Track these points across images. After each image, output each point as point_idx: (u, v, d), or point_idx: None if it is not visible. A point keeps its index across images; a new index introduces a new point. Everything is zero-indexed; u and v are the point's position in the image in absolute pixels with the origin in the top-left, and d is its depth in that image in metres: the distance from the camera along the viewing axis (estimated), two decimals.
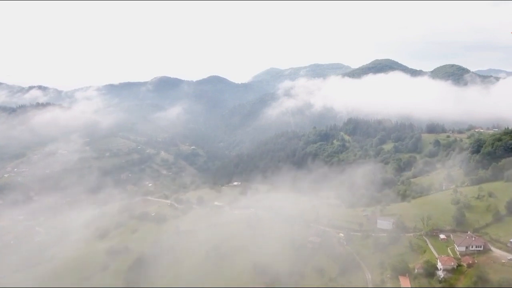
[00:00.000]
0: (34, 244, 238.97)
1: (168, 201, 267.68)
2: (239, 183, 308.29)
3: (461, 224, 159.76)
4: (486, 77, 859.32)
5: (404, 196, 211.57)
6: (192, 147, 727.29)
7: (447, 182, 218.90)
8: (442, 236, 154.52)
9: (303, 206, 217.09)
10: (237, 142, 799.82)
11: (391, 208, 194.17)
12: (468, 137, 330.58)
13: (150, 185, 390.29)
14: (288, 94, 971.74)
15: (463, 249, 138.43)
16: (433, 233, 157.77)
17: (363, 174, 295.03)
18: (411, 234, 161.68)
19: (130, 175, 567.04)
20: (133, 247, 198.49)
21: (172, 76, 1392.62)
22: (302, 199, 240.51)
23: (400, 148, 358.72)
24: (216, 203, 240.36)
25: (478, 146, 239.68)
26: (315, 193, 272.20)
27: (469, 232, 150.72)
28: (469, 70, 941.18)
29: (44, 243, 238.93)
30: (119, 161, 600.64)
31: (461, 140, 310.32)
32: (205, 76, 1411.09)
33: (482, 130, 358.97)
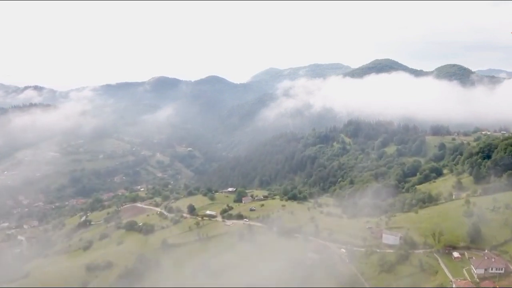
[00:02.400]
0: (12, 256, 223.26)
1: (158, 209, 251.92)
2: (234, 189, 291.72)
3: (476, 241, 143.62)
4: (493, 78, 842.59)
5: (410, 206, 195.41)
6: (189, 148, 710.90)
7: (456, 190, 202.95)
8: (455, 254, 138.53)
9: (301, 216, 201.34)
10: (235, 144, 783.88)
11: (397, 219, 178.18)
12: (475, 140, 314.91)
13: (142, 189, 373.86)
14: (287, 94, 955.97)
15: (482, 271, 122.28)
16: (445, 251, 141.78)
17: (365, 180, 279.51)
18: (421, 251, 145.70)
19: (124, 178, 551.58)
20: (116, 261, 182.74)
21: (170, 76, 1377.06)
22: (301, 208, 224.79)
23: (404, 151, 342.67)
24: (208, 212, 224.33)
25: (488, 151, 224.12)
26: (314, 200, 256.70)
27: (486, 251, 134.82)
28: (471, 70, 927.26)
29: (23, 256, 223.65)
30: (113, 163, 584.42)
31: (468, 144, 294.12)
32: (203, 76, 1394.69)
33: (489, 133, 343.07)
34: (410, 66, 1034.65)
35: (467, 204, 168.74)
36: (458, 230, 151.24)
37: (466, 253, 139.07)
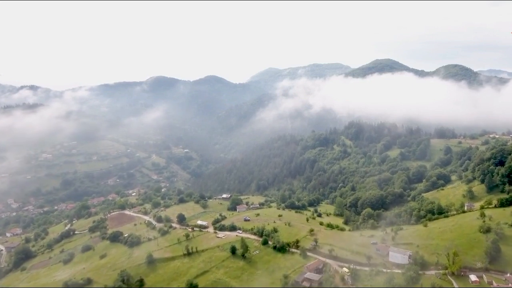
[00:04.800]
0: None
1: (147, 218, 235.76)
2: (229, 195, 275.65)
3: (495, 262, 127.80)
4: (496, 78, 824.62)
5: (418, 217, 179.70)
6: (186, 150, 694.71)
7: (468, 200, 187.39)
8: (473, 277, 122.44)
9: (299, 228, 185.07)
10: (233, 145, 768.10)
11: (404, 233, 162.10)
12: (483, 144, 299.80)
13: (133, 194, 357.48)
14: (286, 94, 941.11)
15: None
16: (460, 273, 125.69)
17: (368, 186, 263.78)
18: (433, 273, 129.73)
19: (117, 180, 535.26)
20: (97, 278, 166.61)
21: (168, 76, 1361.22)
22: (299, 218, 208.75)
23: (407, 155, 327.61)
24: (199, 222, 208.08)
25: (501, 157, 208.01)
26: (314, 208, 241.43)
27: (508, 274, 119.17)
28: (473, 70, 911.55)
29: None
30: (107, 165, 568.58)
31: (477, 148, 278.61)
32: (202, 76, 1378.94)
33: (497, 136, 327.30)
34: (410, 66, 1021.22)
35: (483, 217, 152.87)
36: (475, 249, 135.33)
37: (484, 276, 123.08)
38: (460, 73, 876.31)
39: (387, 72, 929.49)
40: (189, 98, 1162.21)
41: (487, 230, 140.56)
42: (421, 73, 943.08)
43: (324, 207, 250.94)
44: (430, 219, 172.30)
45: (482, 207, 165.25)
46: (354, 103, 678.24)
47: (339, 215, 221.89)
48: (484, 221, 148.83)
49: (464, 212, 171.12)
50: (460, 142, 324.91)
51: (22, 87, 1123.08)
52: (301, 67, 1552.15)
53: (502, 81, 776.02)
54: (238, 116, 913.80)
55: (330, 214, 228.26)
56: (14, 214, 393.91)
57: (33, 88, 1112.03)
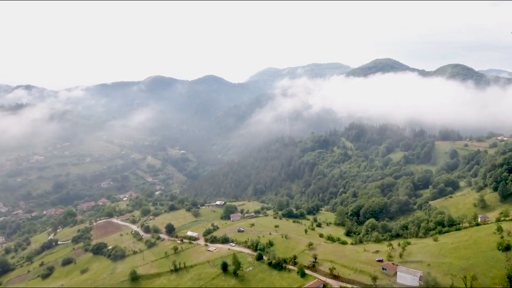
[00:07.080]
0: None
1: (134, 227, 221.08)
2: (223, 202, 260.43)
3: None
4: (499, 78, 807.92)
5: (427, 230, 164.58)
6: (182, 151, 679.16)
7: (480, 209, 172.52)
8: None
9: (297, 241, 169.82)
10: (230, 146, 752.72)
11: (412, 249, 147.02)
12: (491, 147, 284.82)
13: (125, 198, 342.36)
14: (285, 94, 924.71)
15: None
16: None
17: (370, 193, 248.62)
18: None
19: (111, 183, 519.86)
20: None
21: (166, 76, 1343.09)
22: (297, 229, 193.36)
23: (411, 158, 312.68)
24: (189, 233, 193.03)
25: None
26: (313, 217, 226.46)
27: None
28: (474, 70, 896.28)
29: None
30: (100, 168, 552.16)
31: (485, 152, 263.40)
32: (200, 76, 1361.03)
33: (506, 139, 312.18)
34: (411, 66, 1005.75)
35: (500, 232, 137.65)
36: (493, 270, 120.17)
37: None
38: (461, 73, 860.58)
39: (389, 71, 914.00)
40: (187, 98, 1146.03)
41: (507, 248, 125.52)
42: (422, 73, 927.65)
43: (324, 215, 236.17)
44: (440, 232, 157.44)
45: (498, 220, 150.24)
46: (354, 103, 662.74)
47: (340, 224, 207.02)
48: (502, 237, 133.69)
49: (478, 224, 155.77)
50: (466, 145, 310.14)
51: (17, 87, 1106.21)
52: (300, 67, 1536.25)
53: (507, 82, 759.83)
54: (236, 117, 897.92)
55: (331, 223, 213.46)
56: (2, 219, 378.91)
57: (28, 88, 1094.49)
